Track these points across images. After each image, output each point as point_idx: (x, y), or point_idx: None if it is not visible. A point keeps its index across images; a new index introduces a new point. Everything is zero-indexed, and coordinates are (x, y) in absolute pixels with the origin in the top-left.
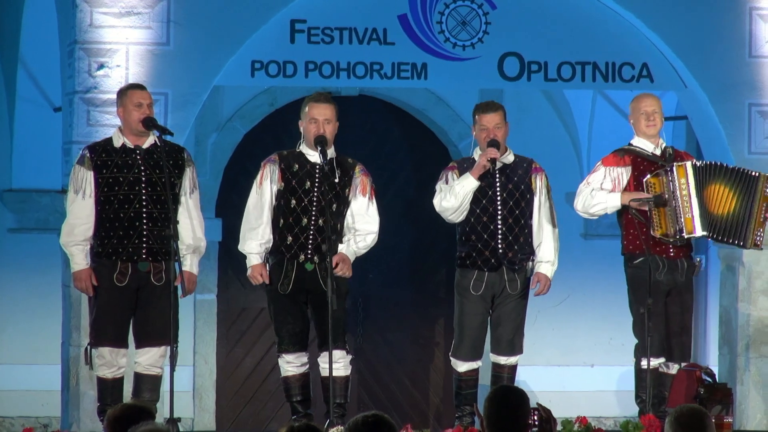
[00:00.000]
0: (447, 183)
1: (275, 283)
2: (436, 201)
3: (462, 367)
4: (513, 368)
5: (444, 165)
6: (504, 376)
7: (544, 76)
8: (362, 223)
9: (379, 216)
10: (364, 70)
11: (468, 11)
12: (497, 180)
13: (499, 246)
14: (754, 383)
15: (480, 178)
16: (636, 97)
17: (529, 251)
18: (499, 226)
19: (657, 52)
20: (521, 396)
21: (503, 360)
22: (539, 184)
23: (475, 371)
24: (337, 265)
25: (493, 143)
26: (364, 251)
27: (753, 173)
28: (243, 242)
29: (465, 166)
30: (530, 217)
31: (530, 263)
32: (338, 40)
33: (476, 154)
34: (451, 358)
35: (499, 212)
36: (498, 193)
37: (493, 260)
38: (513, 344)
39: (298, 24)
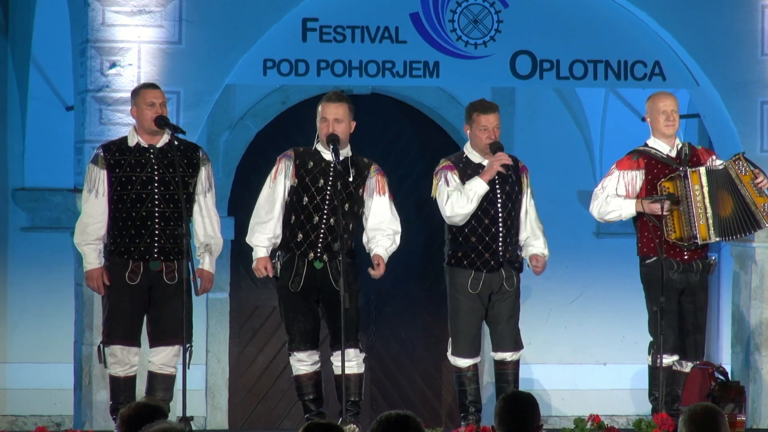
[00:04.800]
0: (449, 185)
1: (286, 281)
2: (447, 207)
3: (464, 363)
4: (517, 363)
5: None
6: (509, 372)
7: (556, 75)
8: (387, 223)
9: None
10: (376, 69)
11: (480, 9)
12: (497, 182)
13: (500, 248)
14: (766, 381)
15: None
16: (653, 96)
17: (517, 246)
18: (500, 228)
19: (669, 50)
20: (531, 400)
21: (509, 356)
22: (526, 181)
23: (476, 366)
24: (378, 265)
25: (499, 146)
26: (393, 250)
27: (719, 166)
28: (251, 234)
29: (461, 165)
30: (518, 215)
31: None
32: (350, 38)
33: (469, 152)
34: (451, 357)
35: (500, 214)
36: (498, 196)
37: (492, 262)
38: (516, 340)
39: (310, 22)
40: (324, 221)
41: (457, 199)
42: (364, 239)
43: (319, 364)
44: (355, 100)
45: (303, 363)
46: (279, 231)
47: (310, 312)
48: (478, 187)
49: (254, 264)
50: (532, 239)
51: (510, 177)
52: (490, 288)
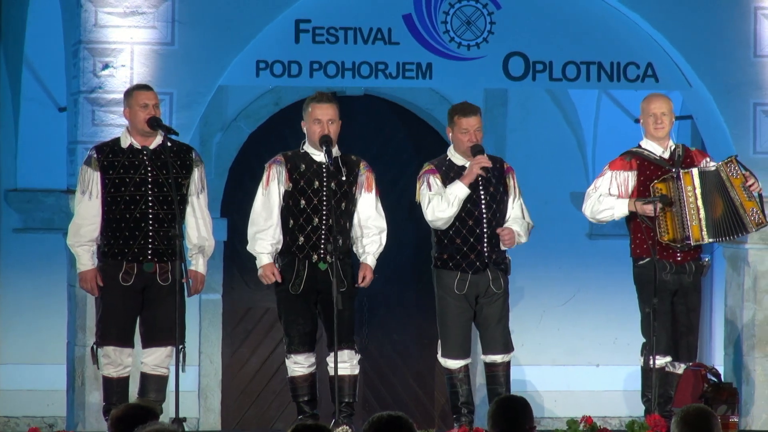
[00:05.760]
0: (431, 189)
1: (286, 284)
2: (428, 211)
3: (454, 364)
4: (508, 365)
5: None
6: (500, 374)
7: (548, 76)
8: (373, 220)
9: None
10: (368, 70)
11: (473, 11)
12: (480, 183)
13: (485, 249)
14: (759, 383)
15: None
16: (646, 98)
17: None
18: (485, 230)
19: (662, 52)
20: (523, 402)
21: (499, 358)
22: (511, 183)
23: (467, 367)
24: (364, 278)
25: (480, 149)
26: (380, 252)
27: (711, 168)
28: (253, 243)
29: (444, 168)
30: (504, 217)
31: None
32: (343, 39)
33: (452, 155)
34: (441, 359)
35: (485, 216)
36: (482, 197)
37: (478, 263)
38: (506, 342)
39: (302, 24)
40: (324, 222)
41: (438, 203)
42: (352, 235)
43: (314, 366)
44: (347, 102)
45: (300, 365)
46: (279, 236)
47: (309, 314)
48: (459, 190)
49: (260, 272)
50: (512, 225)
51: (492, 178)
52: (477, 289)
